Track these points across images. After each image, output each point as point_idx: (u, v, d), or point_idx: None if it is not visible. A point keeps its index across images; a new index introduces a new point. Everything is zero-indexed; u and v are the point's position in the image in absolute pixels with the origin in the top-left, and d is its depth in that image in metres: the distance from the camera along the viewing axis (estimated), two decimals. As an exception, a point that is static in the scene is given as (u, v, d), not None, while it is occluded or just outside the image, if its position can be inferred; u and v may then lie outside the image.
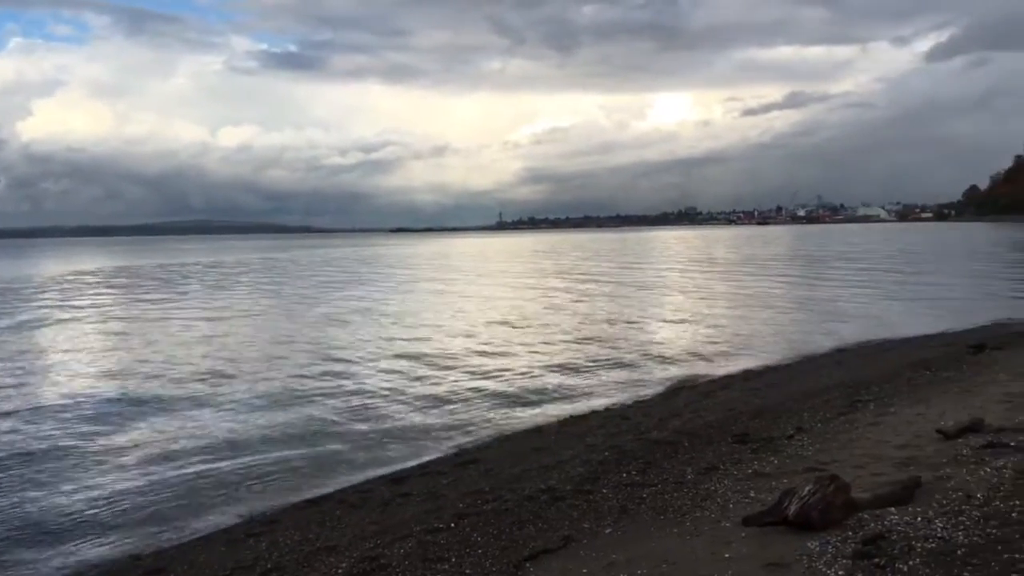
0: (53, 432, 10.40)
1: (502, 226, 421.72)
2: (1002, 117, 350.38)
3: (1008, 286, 27.69)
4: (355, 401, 12.05)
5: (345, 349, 16.98)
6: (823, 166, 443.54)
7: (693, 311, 22.78)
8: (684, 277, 37.72)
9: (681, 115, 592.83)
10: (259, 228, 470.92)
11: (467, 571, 5.28)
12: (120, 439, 10.10)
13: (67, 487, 8.26)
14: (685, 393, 11.82)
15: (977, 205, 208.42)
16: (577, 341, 17.35)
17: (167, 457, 9.32)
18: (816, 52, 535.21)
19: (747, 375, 12.96)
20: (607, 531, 5.61)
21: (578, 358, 15.22)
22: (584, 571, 4.82)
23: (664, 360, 14.90)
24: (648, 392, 12.22)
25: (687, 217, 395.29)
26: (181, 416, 11.31)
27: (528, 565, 5.18)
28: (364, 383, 13.34)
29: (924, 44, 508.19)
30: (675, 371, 13.85)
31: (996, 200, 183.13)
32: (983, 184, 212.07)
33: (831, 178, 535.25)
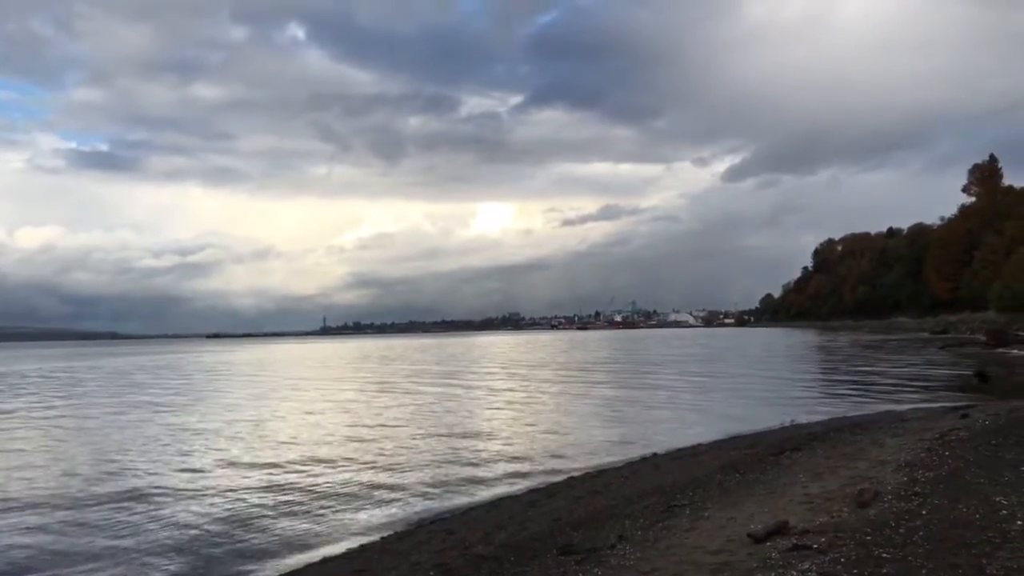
0: None
1: (326, 331, 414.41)
2: (789, 232, 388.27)
3: (801, 387, 30.02)
4: (153, 525, 11.08)
5: (143, 469, 15.69)
6: (636, 274, 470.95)
7: (518, 418, 22.96)
8: (509, 383, 38.13)
9: (504, 224, 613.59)
10: (59, 335, 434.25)
11: None
12: None
13: None
14: (510, 503, 11.73)
15: (772, 311, 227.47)
16: (398, 452, 16.94)
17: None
18: (626, 169, 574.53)
19: (571, 482, 13.07)
20: (430, 661, 5.34)
21: (400, 470, 14.84)
22: None
23: (489, 469, 14.80)
24: (473, 503, 12.04)
25: (511, 322, 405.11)
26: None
27: None
28: (164, 506, 12.31)
29: (721, 165, 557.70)
30: (500, 480, 13.77)
31: (788, 307, 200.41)
32: (776, 292, 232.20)
33: (643, 285, 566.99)
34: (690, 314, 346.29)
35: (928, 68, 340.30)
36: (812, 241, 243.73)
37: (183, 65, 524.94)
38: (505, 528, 9.65)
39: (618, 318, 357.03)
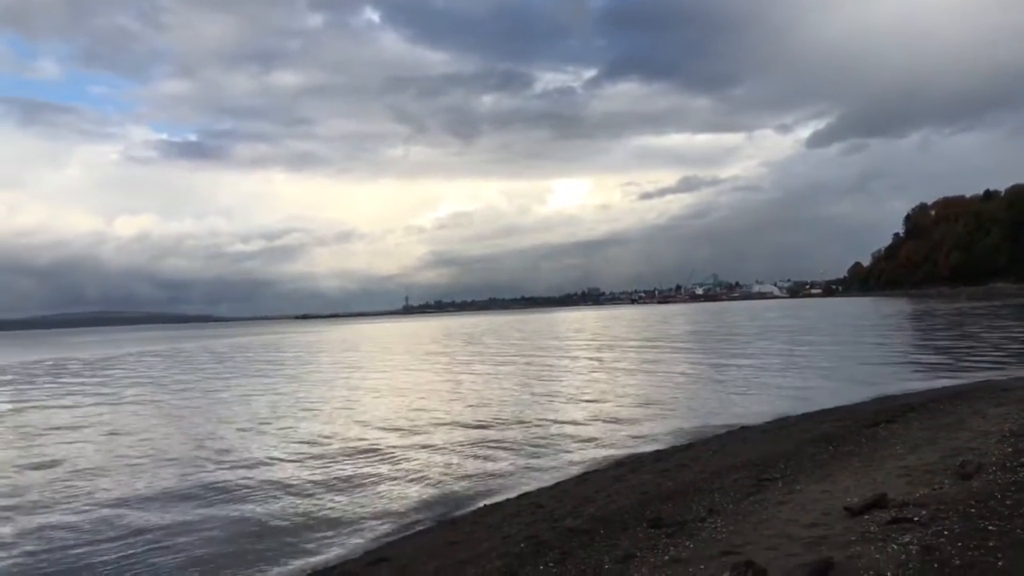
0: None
1: (408, 310, 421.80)
2: (878, 198, 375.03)
3: (897, 356, 29.04)
4: (264, 496, 11.58)
5: (256, 442, 16.34)
6: (717, 245, 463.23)
7: (602, 391, 22.93)
8: (592, 356, 38.05)
9: (581, 199, 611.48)
10: (156, 318, 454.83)
11: None
12: None
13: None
14: (597, 477, 11.76)
15: (861, 281, 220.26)
16: (486, 426, 17.16)
17: None
18: (705, 139, 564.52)
19: (658, 456, 13.01)
20: (526, 630, 5.44)
21: (489, 443, 15.04)
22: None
23: (575, 442, 14.86)
24: (561, 476, 12.12)
25: (591, 297, 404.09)
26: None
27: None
28: (272, 477, 12.82)
29: (804, 131, 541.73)
30: (587, 454, 13.80)
31: (879, 276, 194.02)
32: (866, 261, 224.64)
33: (724, 257, 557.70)
34: (775, 285, 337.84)
35: (1022, 21, 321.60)
36: (902, 207, 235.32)
37: (264, 54, 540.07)
38: (593, 501, 9.69)
39: (699, 291, 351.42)
